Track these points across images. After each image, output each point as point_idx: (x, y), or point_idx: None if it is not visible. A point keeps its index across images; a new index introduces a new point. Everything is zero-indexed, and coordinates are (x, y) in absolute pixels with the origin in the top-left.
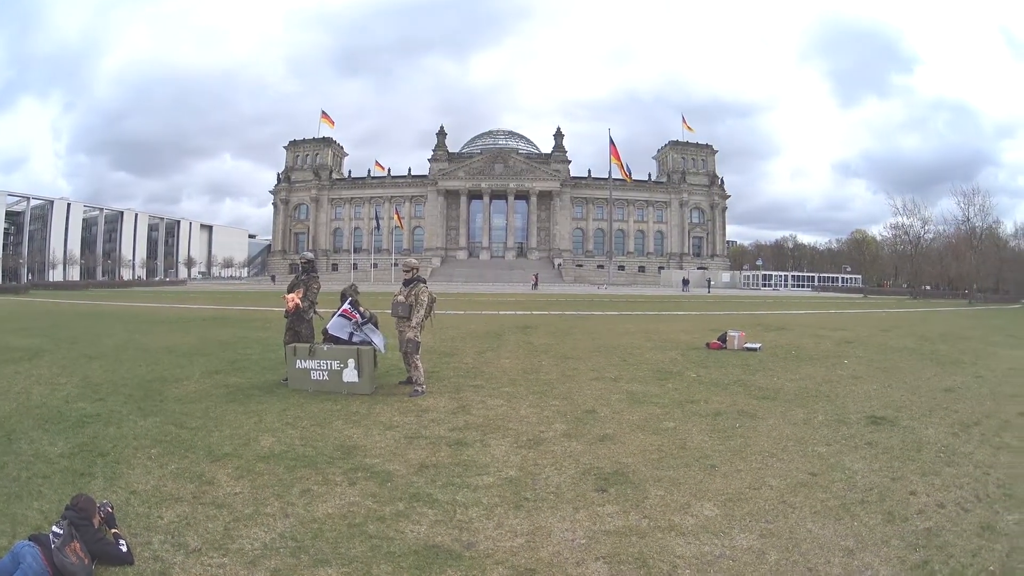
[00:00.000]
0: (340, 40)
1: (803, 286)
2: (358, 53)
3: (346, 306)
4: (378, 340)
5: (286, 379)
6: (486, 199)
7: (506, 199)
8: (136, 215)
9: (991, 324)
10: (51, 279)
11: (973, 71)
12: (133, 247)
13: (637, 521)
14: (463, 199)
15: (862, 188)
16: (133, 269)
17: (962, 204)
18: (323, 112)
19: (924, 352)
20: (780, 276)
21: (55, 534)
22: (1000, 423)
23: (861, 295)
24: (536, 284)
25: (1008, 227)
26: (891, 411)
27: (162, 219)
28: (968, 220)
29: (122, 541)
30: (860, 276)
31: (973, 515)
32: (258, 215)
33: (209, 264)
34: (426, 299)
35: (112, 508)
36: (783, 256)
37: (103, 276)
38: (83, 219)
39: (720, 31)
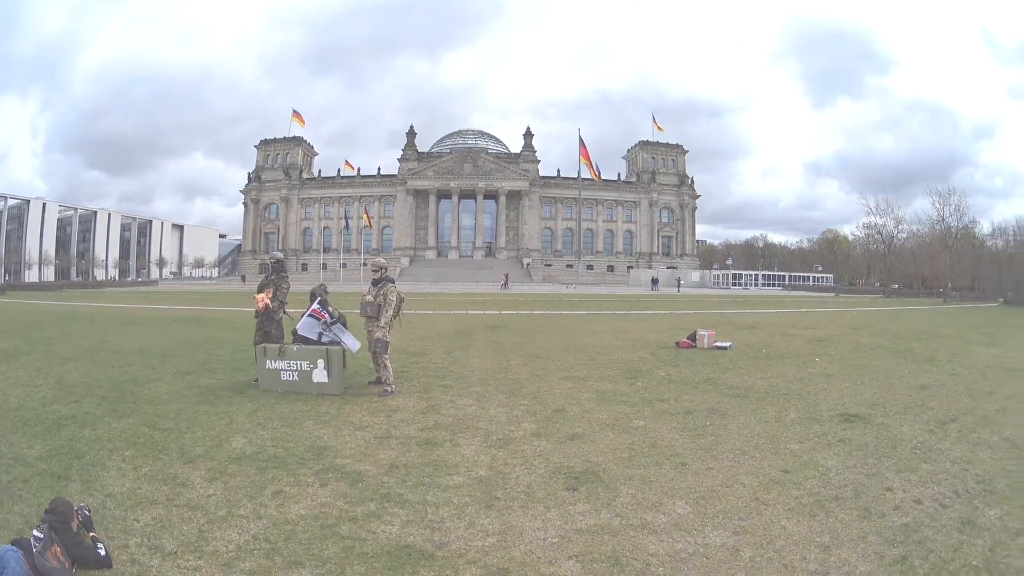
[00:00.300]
0: (313, 39)
1: (774, 285)
2: (330, 52)
3: (315, 306)
4: (349, 340)
5: (256, 380)
6: (455, 199)
7: (475, 199)
8: (109, 215)
9: (966, 322)
10: (27, 280)
11: (951, 73)
12: (106, 247)
13: (609, 519)
14: (432, 199)
15: (834, 188)
16: (106, 269)
17: (937, 204)
18: (294, 111)
19: (898, 350)
20: (750, 275)
21: (36, 538)
22: (978, 419)
23: (833, 294)
24: (507, 284)
25: (985, 227)
26: (864, 408)
27: (134, 219)
28: (943, 220)
29: (100, 544)
30: (832, 275)
31: (952, 511)
32: (229, 215)
33: (180, 264)
34: (395, 299)
35: (89, 511)
36: (753, 255)
37: (77, 276)
38: (58, 219)
39: (693, 32)
